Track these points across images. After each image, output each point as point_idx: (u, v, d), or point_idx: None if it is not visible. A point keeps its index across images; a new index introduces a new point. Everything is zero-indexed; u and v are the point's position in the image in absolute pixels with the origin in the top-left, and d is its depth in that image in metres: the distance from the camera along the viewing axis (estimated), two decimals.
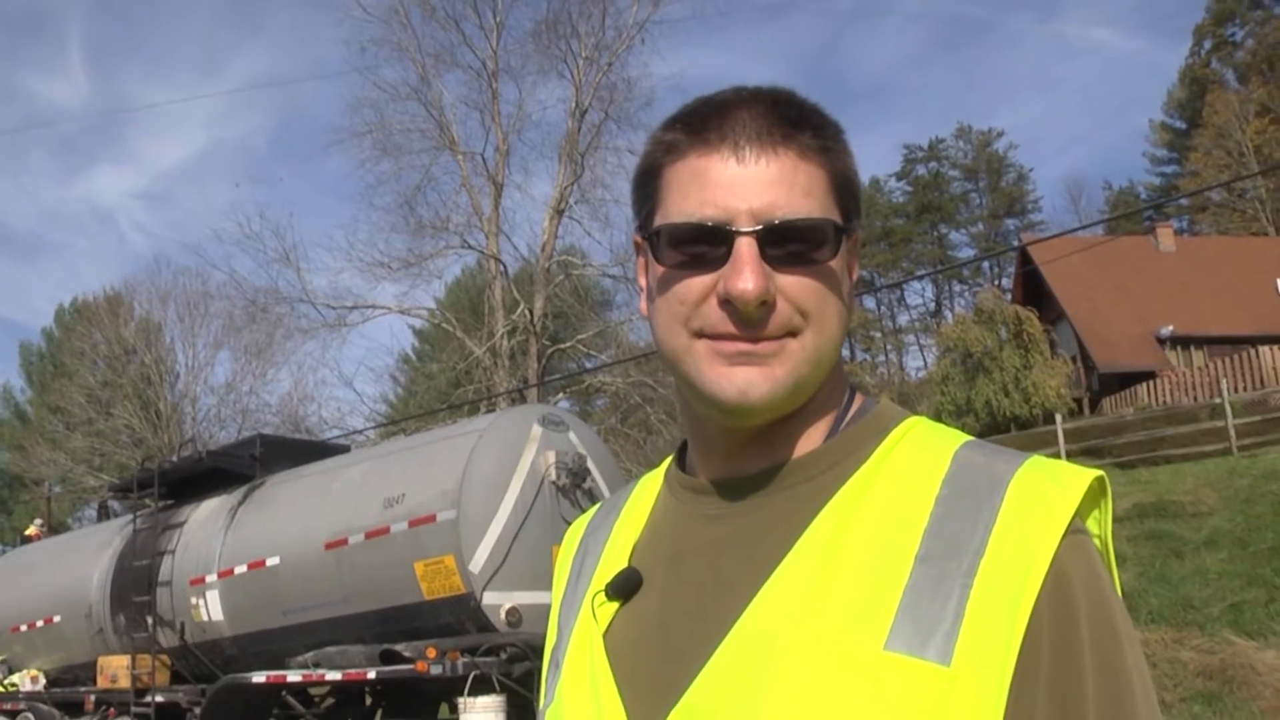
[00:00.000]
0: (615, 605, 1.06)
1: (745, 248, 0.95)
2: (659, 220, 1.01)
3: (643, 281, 1.09)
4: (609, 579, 1.07)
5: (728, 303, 0.95)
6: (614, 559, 1.10)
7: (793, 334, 0.97)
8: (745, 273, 0.94)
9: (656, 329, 1.03)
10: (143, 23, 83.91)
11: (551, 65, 28.70)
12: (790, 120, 0.99)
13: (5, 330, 77.31)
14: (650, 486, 1.17)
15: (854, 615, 0.89)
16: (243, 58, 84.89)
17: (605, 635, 1.04)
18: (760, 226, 0.95)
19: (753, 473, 1.03)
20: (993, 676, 0.86)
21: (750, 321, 0.95)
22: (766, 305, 0.95)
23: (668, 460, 1.16)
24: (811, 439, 1.03)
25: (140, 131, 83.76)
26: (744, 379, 0.96)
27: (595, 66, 28.21)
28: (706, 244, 0.96)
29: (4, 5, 71.78)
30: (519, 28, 34.69)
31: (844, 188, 1.01)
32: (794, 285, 0.96)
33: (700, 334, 0.97)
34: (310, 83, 76.30)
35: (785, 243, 0.96)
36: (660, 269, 1.01)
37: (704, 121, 1.00)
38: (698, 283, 0.97)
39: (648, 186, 1.04)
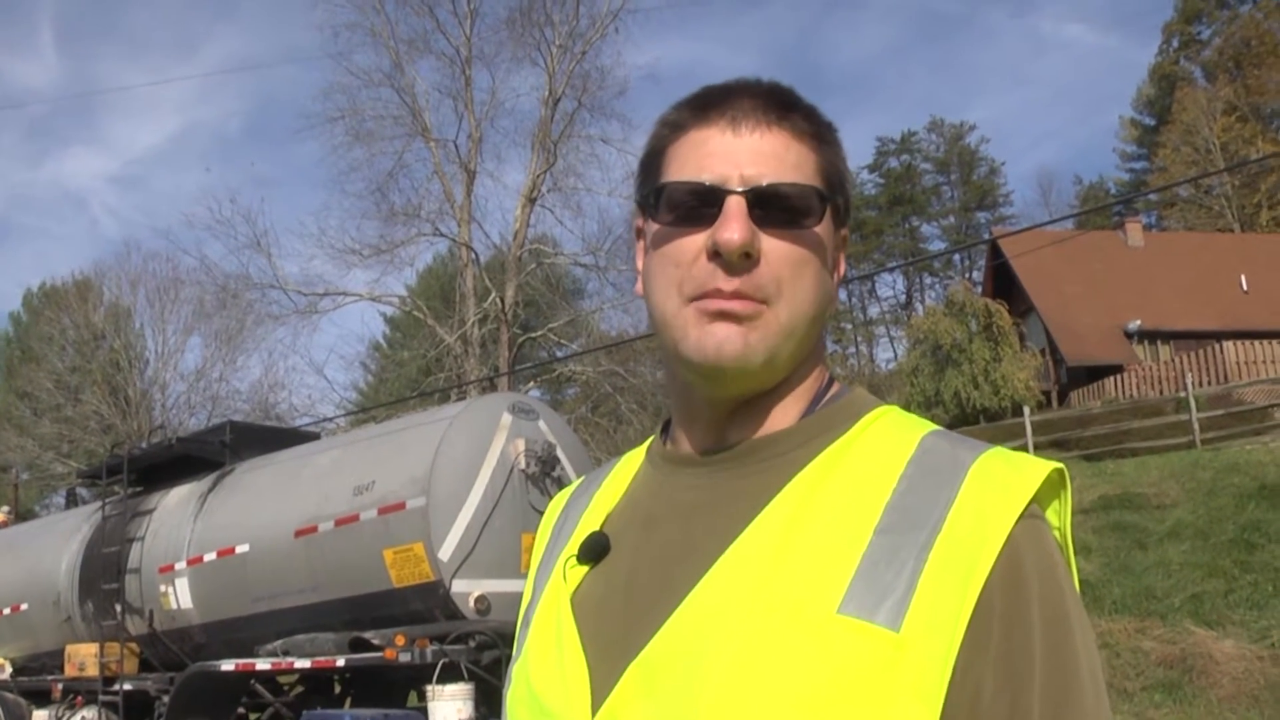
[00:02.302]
0: (586, 568, 1.10)
1: (734, 205, 1.02)
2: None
3: (639, 264, 1.15)
4: (581, 542, 1.12)
5: (716, 255, 1.02)
6: (589, 525, 1.15)
7: (766, 302, 1.02)
8: (732, 224, 1.01)
9: (651, 294, 1.09)
10: (115, 4, 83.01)
11: (525, 53, 28.65)
12: (786, 105, 1.08)
13: None
14: (633, 460, 1.23)
15: (811, 580, 0.93)
16: (216, 41, 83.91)
17: (574, 596, 1.09)
18: (749, 188, 1.03)
19: (728, 445, 1.08)
20: (940, 646, 0.89)
21: (734, 269, 1.01)
22: (750, 258, 1.02)
23: (651, 437, 1.22)
24: (787, 416, 1.08)
25: (113, 114, 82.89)
26: (720, 336, 1.02)
27: (569, 54, 28.19)
28: (700, 204, 1.04)
29: None
30: (493, 15, 34.60)
31: (832, 177, 1.09)
32: (777, 250, 1.03)
33: (691, 299, 1.03)
34: (284, 67, 75.43)
35: (771, 206, 1.03)
36: (656, 226, 1.08)
37: (706, 101, 1.09)
38: (690, 241, 1.04)
39: (652, 165, 1.12)
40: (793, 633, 0.91)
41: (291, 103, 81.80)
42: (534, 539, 1.31)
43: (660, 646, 0.96)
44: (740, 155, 1.04)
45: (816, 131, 1.09)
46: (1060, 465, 1.01)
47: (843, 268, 1.16)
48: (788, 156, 1.05)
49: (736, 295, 1.01)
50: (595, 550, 1.10)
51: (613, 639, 1.01)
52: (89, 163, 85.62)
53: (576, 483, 1.32)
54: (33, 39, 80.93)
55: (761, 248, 1.02)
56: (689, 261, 1.04)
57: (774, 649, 0.91)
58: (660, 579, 1.02)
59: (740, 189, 1.03)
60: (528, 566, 1.31)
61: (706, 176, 1.04)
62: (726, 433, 1.09)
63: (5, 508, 22.32)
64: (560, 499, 1.31)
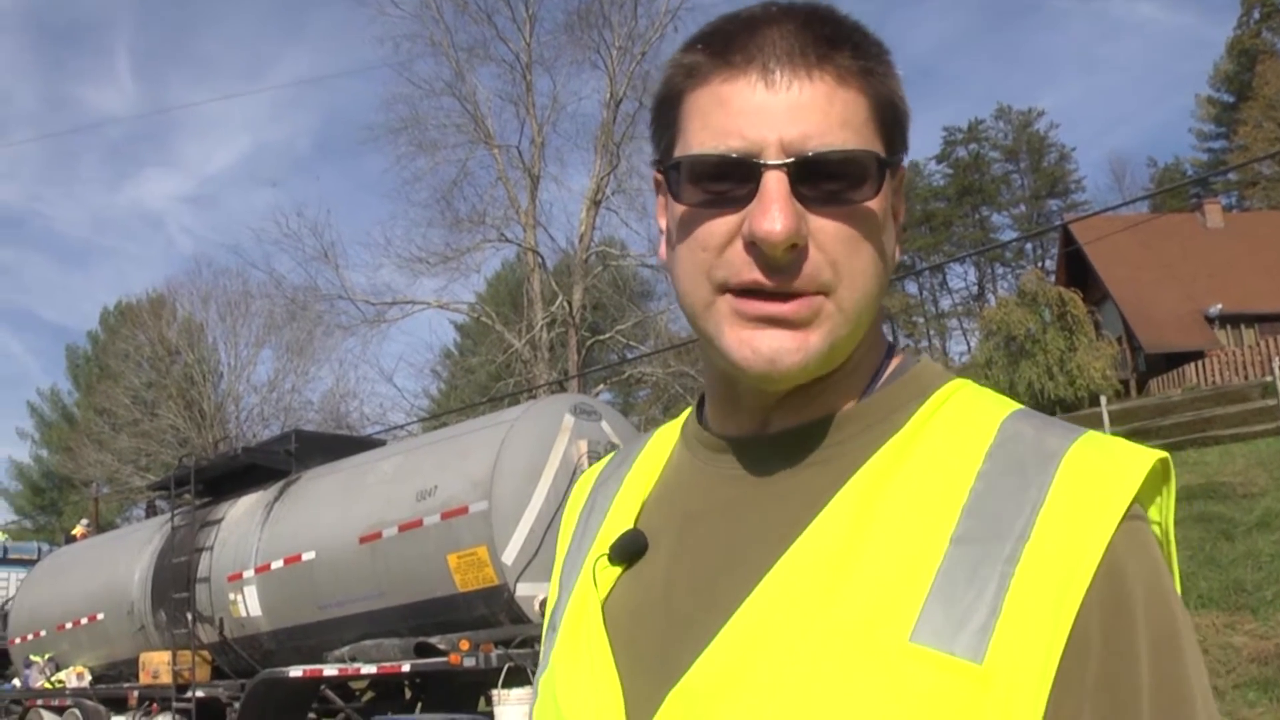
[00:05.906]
0: (619, 569, 0.97)
1: (774, 183, 0.84)
2: (678, 152, 0.90)
3: (662, 223, 0.97)
4: (613, 540, 0.98)
5: (754, 245, 0.84)
6: (621, 517, 1.01)
7: (825, 292, 0.86)
8: (773, 211, 0.83)
9: (677, 279, 0.92)
10: (188, 32, 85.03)
11: (585, 56, 28.62)
12: (826, 38, 0.87)
13: (58, 334, 79.30)
14: (666, 439, 1.07)
15: (878, 599, 0.80)
16: (285, 62, 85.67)
17: (605, 602, 0.95)
18: (791, 160, 0.84)
19: (777, 433, 0.93)
20: (1031, 679, 0.76)
21: (777, 266, 0.84)
22: (796, 249, 0.84)
23: (687, 412, 1.06)
24: (844, 399, 0.93)
25: (187, 136, 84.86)
26: (772, 347, 0.86)
27: (629, 56, 28.08)
28: (731, 180, 0.86)
29: (54, 16, 73.10)
30: (551, 19, 34.71)
31: (887, 116, 0.90)
32: (828, 231, 0.85)
33: (724, 287, 0.87)
34: (349, 81, 76.70)
35: (819, 179, 0.85)
36: (680, 208, 0.90)
37: (728, 41, 0.89)
38: (721, 224, 0.87)
39: (667, 115, 0.93)
40: (859, 664, 0.77)
41: (357, 117, 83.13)
42: None
43: (704, 673, 0.82)
44: (776, 114, 0.84)
45: (866, 65, 0.88)
46: (1164, 455, 0.85)
47: (902, 212, 0.96)
48: (834, 109, 0.85)
49: (783, 294, 0.85)
50: (630, 550, 0.96)
51: (650, 658, 0.88)
52: (166, 184, 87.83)
53: (602, 463, 1.16)
54: (109, 69, 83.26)
55: (810, 229, 0.84)
56: (719, 246, 0.87)
57: (837, 683, 0.77)
58: (703, 590, 0.88)
59: (780, 162, 0.84)
60: None
61: (736, 145, 0.85)
62: (774, 419, 0.93)
63: (85, 521, 22.84)
64: (585, 483, 1.15)
